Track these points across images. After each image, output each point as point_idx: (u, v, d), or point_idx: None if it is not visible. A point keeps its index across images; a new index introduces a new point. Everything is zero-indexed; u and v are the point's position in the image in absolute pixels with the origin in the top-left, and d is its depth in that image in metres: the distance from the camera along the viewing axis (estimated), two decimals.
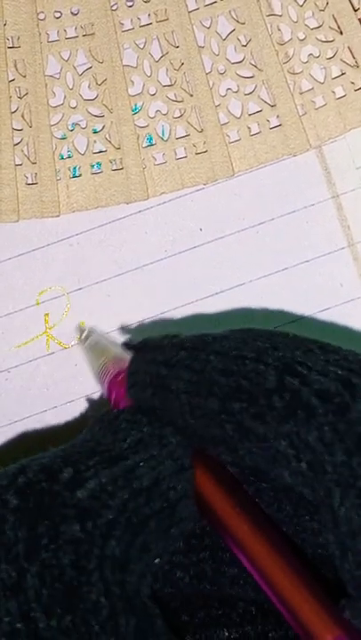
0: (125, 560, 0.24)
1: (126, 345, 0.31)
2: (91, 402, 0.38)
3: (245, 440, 0.25)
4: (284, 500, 0.26)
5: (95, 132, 0.38)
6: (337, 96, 0.38)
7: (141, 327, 0.38)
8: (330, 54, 0.38)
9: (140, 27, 0.38)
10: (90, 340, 0.36)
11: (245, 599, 0.26)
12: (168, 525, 0.26)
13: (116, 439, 0.26)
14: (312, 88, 0.38)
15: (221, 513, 0.25)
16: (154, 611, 0.24)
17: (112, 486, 0.25)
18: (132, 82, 0.38)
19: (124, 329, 0.37)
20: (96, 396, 0.37)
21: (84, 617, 0.23)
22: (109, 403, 0.32)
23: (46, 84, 0.38)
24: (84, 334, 0.36)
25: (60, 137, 0.38)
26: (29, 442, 0.38)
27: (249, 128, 0.38)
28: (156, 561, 0.25)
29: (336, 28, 0.38)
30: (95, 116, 0.38)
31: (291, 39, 0.38)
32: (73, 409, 0.38)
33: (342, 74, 0.38)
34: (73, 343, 0.38)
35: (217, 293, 0.38)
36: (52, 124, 0.38)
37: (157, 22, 0.38)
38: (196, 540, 0.27)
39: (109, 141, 0.38)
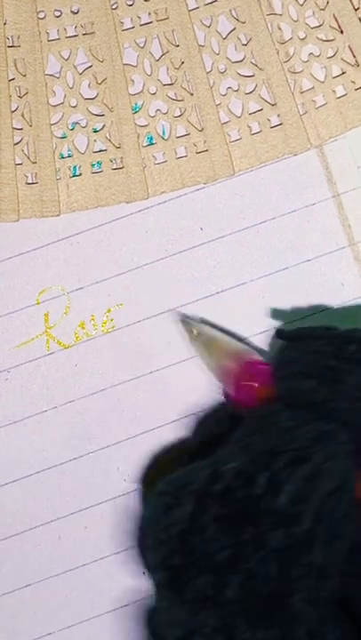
0: (326, 566, 0.23)
1: (279, 333, 0.29)
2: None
3: None
4: None
5: (95, 131, 0.38)
6: (338, 95, 0.38)
7: None
8: (330, 53, 0.38)
9: (141, 25, 0.38)
10: (204, 337, 0.35)
11: None
12: (352, 528, 0.25)
13: (290, 438, 0.25)
14: (313, 87, 0.38)
15: None
16: (348, 618, 0.24)
17: (307, 489, 0.24)
18: (133, 81, 0.38)
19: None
20: (96, 395, 0.37)
21: (292, 627, 0.22)
22: (234, 400, 0.31)
23: (46, 83, 0.38)
24: (196, 330, 0.35)
25: (60, 136, 0.38)
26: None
27: (249, 127, 0.38)
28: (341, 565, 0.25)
29: (337, 27, 0.38)
30: (95, 115, 0.38)
31: (291, 38, 0.38)
32: (73, 409, 0.37)
33: (343, 73, 0.38)
34: (73, 342, 0.38)
35: (217, 293, 0.38)
36: (52, 123, 0.38)
37: (158, 21, 0.38)
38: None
39: (110, 140, 0.38)
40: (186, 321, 0.36)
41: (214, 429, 0.30)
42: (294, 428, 0.26)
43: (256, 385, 0.29)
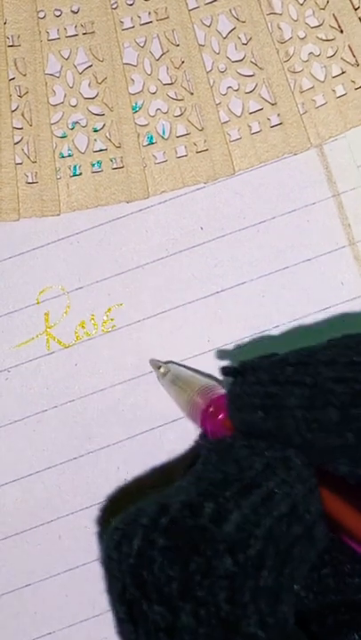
0: (277, 589, 0.24)
1: (224, 370, 0.30)
2: None
3: None
4: None
5: (95, 131, 0.38)
6: (337, 94, 0.38)
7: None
8: (330, 53, 0.38)
9: (141, 25, 0.38)
10: (170, 375, 0.36)
11: None
12: (308, 549, 0.25)
13: (241, 467, 0.26)
14: (313, 87, 0.38)
15: (354, 527, 0.25)
16: (303, 638, 0.24)
17: (254, 516, 0.24)
18: (133, 80, 0.38)
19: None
20: (96, 395, 0.37)
21: None
22: (205, 434, 0.31)
23: (46, 83, 0.38)
24: (162, 369, 0.36)
25: (60, 135, 0.38)
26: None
27: (250, 126, 0.38)
28: (296, 587, 0.25)
29: (336, 27, 0.38)
30: (95, 114, 0.38)
31: (291, 38, 0.38)
32: (73, 408, 0.37)
33: (343, 72, 0.38)
34: (73, 342, 0.38)
35: (218, 292, 0.38)
36: (52, 122, 0.38)
37: (158, 21, 0.38)
38: (316, 559, 0.26)
39: (110, 140, 0.38)
40: (153, 361, 0.37)
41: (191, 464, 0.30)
42: (247, 457, 0.26)
43: (221, 416, 0.30)
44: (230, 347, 0.37)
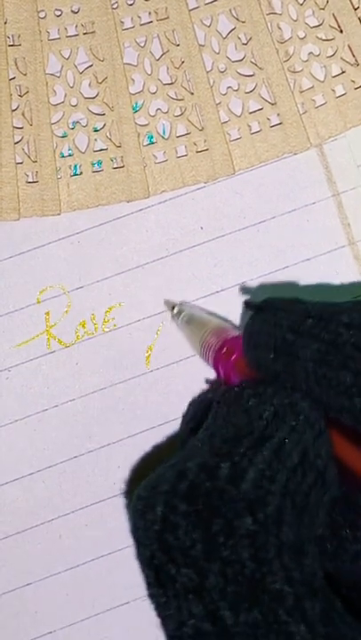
0: (300, 543, 0.24)
1: (247, 304, 0.30)
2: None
3: None
4: None
5: (96, 131, 0.38)
6: (337, 94, 0.38)
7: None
8: (330, 53, 0.38)
9: (141, 25, 0.38)
10: (184, 315, 0.35)
11: None
12: (322, 494, 0.25)
13: (251, 418, 0.26)
14: (312, 86, 0.38)
15: None
16: (331, 593, 0.24)
17: (269, 471, 0.25)
18: (133, 80, 0.38)
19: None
20: (96, 394, 0.37)
21: (271, 607, 0.23)
22: (218, 376, 0.31)
23: (47, 83, 0.38)
24: (176, 309, 0.36)
25: (60, 135, 0.38)
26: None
27: (249, 126, 0.38)
28: (319, 532, 0.25)
29: (336, 27, 0.38)
30: (96, 114, 0.38)
31: (291, 37, 0.38)
32: (74, 408, 0.37)
33: (342, 72, 0.38)
34: (73, 341, 0.38)
35: (217, 292, 0.38)
36: (52, 122, 0.38)
37: (158, 21, 0.38)
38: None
39: (110, 139, 0.38)
40: (166, 300, 0.37)
41: (199, 414, 0.31)
42: (255, 407, 0.27)
43: (233, 357, 0.30)
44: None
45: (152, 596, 0.25)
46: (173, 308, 0.36)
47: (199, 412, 0.31)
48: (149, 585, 0.25)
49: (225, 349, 0.31)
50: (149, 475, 0.27)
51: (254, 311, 0.29)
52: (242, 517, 0.24)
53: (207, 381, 0.36)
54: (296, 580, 0.23)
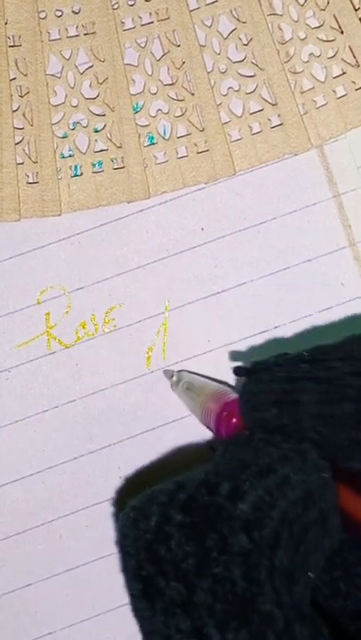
0: (292, 570, 0.24)
1: (236, 370, 0.30)
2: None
3: None
4: None
5: (96, 131, 0.38)
6: (338, 95, 0.38)
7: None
8: (331, 53, 0.38)
9: (142, 25, 0.38)
10: (182, 383, 0.36)
11: None
12: (321, 536, 0.25)
13: (258, 456, 0.26)
14: (313, 87, 0.38)
15: None
16: (320, 620, 0.24)
17: (270, 498, 0.24)
18: (134, 81, 0.38)
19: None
20: (96, 395, 0.37)
21: (260, 629, 0.23)
22: (220, 438, 0.32)
23: (47, 83, 0.38)
24: (175, 378, 0.37)
25: (61, 136, 0.38)
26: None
27: (250, 127, 0.38)
28: (311, 575, 0.25)
29: (337, 28, 0.38)
30: (96, 114, 0.38)
31: (292, 38, 0.38)
32: (74, 408, 0.37)
33: (343, 73, 0.38)
34: (73, 342, 0.38)
35: (218, 293, 0.38)
36: (53, 122, 0.38)
37: (159, 21, 0.38)
38: (328, 560, 0.26)
39: (111, 140, 0.38)
40: (166, 370, 0.37)
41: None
42: (264, 447, 0.27)
43: (234, 420, 0.30)
44: (233, 347, 0.37)
45: (137, 609, 0.25)
46: (172, 376, 0.37)
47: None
48: (134, 597, 0.25)
49: (225, 413, 0.31)
50: (143, 491, 0.27)
51: (246, 376, 0.29)
52: (237, 535, 0.24)
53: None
54: (286, 603, 0.23)
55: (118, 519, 0.26)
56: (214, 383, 0.35)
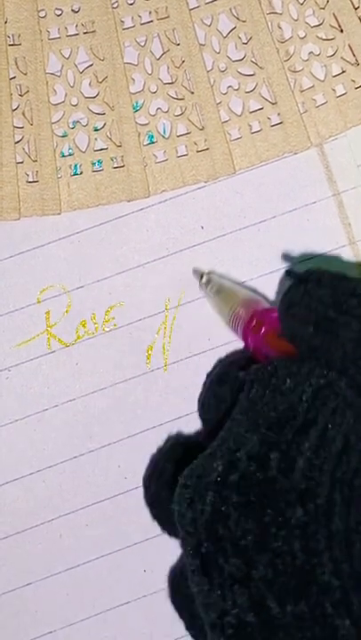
0: (348, 534, 0.24)
1: (288, 272, 0.30)
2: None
3: None
4: None
5: (96, 130, 0.38)
6: (338, 94, 0.38)
7: None
8: (330, 52, 0.38)
9: (141, 24, 0.38)
10: (213, 284, 0.35)
11: None
12: None
13: (291, 402, 0.26)
14: (313, 86, 0.38)
15: None
16: None
17: (317, 459, 0.24)
18: (133, 79, 0.38)
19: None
20: (96, 394, 0.37)
21: (318, 600, 0.23)
22: (246, 348, 0.31)
23: (47, 82, 0.38)
24: (205, 278, 0.36)
25: (60, 135, 0.38)
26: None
27: (250, 126, 0.38)
28: None
29: (337, 26, 0.38)
30: (96, 113, 0.38)
31: (291, 37, 0.38)
32: (74, 407, 0.37)
33: (343, 72, 0.38)
34: (73, 341, 0.38)
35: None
36: (52, 121, 0.38)
37: (158, 20, 0.38)
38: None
39: (110, 139, 0.38)
40: (196, 270, 0.37)
41: (229, 394, 0.30)
42: (293, 389, 0.26)
43: (263, 332, 0.30)
44: (233, 345, 0.37)
45: (195, 584, 0.25)
46: (202, 276, 0.36)
47: (228, 391, 0.30)
48: (193, 573, 0.25)
49: (255, 322, 0.30)
50: (193, 465, 0.26)
51: (296, 281, 0.28)
52: (293, 508, 0.24)
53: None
54: (345, 572, 0.23)
55: (173, 498, 0.26)
56: (246, 290, 0.34)
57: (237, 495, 0.24)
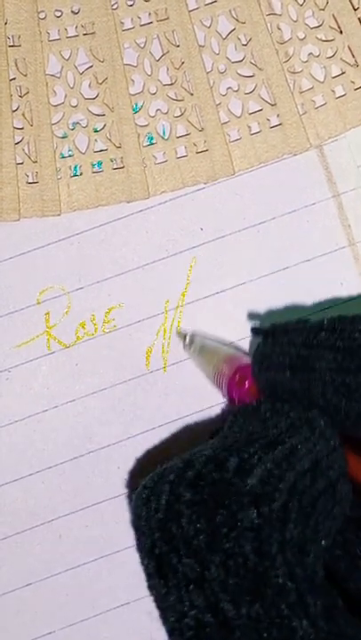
0: (303, 542, 0.24)
1: (254, 330, 0.30)
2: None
3: None
4: None
5: (96, 131, 0.38)
6: (337, 95, 0.38)
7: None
8: (330, 53, 0.38)
9: (141, 26, 0.38)
10: (195, 344, 0.36)
11: None
12: (332, 505, 0.25)
13: (265, 427, 0.26)
14: (312, 87, 0.38)
15: None
16: (333, 591, 0.24)
17: (278, 470, 0.25)
18: (133, 81, 0.38)
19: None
20: (96, 395, 0.37)
21: (274, 601, 0.23)
22: (232, 402, 0.32)
23: (47, 83, 0.38)
24: (188, 339, 0.36)
25: (60, 136, 0.38)
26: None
27: (249, 127, 0.38)
28: (323, 543, 0.25)
29: (336, 28, 0.38)
30: (96, 114, 0.38)
31: (291, 38, 0.38)
32: (74, 408, 0.37)
33: (342, 73, 0.38)
34: (73, 342, 0.38)
35: (217, 293, 0.38)
36: (52, 122, 0.38)
37: (158, 21, 0.38)
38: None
39: (110, 140, 0.38)
40: (180, 332, 0.37)
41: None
42: (271, 419, 0.27)
43: (247, 385, 0.30)
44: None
45: (152, 587, 0.25)
46: (185, 337, 0.37)
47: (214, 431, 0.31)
48: (150, 576, 0.25)
49: (238, 377, 0.31)
50: (155, 470, 0.27)
51: (264, 336, 0.29)
52: (246, 510, 0.24)
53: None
54: (298, 575, 0.23)
55: (132, 499, 0.26)
56: (228, 347, 0.35)
57: (191, 494, 0.24)
